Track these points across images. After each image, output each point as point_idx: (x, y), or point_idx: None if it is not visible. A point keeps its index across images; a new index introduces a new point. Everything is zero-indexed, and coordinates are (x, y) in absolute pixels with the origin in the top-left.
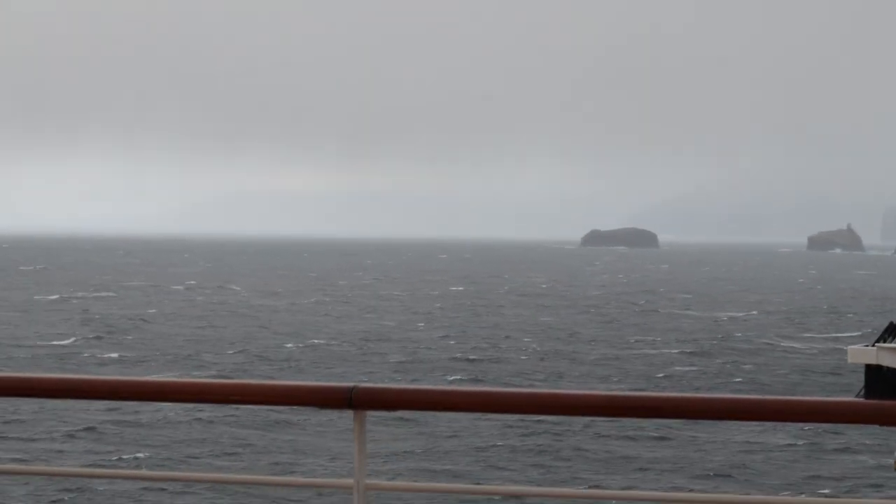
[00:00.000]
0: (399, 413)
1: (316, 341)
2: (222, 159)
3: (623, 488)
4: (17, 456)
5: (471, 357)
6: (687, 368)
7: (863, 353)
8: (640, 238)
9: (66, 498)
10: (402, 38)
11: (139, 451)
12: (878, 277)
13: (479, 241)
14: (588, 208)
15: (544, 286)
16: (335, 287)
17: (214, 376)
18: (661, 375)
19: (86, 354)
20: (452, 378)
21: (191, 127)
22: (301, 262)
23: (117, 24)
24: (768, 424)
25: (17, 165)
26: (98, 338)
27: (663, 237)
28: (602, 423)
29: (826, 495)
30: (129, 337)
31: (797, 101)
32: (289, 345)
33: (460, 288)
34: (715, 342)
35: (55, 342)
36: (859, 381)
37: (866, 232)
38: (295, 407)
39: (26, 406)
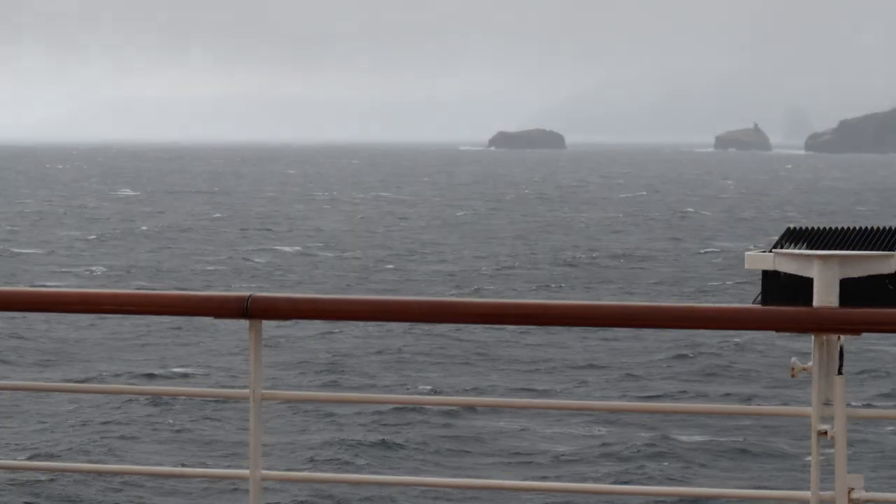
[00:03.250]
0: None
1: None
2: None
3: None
4: None
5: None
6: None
7: (760, 259)
8: (548, 139)
9: None
10: None
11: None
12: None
13: (384, 144)
14: (487, 109)
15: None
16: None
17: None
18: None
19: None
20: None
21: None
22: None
23: None
24: (663, 334)
25: None
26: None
27: (570, 138)
28: (498, 330)
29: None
30: None
31: None
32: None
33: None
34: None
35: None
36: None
37: (770, 130)
38: (190, 317)
39: None
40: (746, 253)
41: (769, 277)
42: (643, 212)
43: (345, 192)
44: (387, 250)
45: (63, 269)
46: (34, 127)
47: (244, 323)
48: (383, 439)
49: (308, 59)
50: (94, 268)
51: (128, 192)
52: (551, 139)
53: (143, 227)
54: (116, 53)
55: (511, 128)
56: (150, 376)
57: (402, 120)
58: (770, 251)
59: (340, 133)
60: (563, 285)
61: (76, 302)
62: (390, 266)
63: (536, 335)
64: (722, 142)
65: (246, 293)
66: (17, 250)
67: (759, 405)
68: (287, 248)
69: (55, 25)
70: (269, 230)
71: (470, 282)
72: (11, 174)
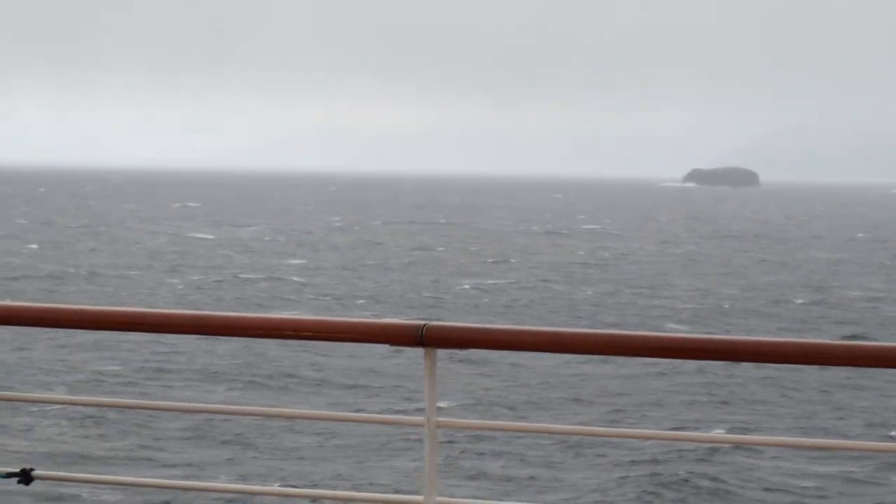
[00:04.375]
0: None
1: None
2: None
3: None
4: None
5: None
6: None
7: None
8: (742, 177)
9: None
10: None
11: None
12: None
13: (583, 178)
14: (679, 145)
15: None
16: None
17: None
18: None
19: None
20: None
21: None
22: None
23: None
24: (857, 371)
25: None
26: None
27: (764, 177)
28: (666, 363)
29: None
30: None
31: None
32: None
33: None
34: None
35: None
36: None
37: None
38: (365, 344)
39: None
40: None
41: None
42: (866, 253)
43: (558, 224)
44: (613, 284)
45: (287, 298)
46: (236, 154)
47: (420, 351)
48: (557, 472)
49: (511, 93)
50: (322, 298)
51: (338, 220)
52: (745, 177)
53: (370, 262)
54: (324, 84)
55: (702, 165)
56: (324, 402)
57: (597, 153)
58: None
59: (538, 165)
60: (797, 328)
61: (255, 327)
62: (620, 301)
63: (742, 369)
64: None
65: (421, 321)
66: (244, 276)
67: None
68: (511, 281)
69: (261, 54)
70: (491, 261)
71: (699, 319)
72: (219, 200)
